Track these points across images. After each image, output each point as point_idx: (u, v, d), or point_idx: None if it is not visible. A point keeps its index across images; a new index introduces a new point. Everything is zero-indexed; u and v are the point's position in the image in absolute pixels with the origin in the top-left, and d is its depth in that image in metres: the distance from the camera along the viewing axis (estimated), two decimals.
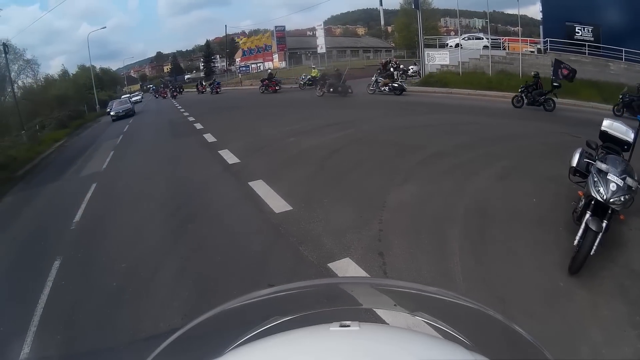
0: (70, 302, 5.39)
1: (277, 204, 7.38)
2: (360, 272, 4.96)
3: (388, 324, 1.21)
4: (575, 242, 4.60)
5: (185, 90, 52.16)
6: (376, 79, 24.40)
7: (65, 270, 6.36)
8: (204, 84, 47.94)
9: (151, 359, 1.16)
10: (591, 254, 4.40)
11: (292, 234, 6.18)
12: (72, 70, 57.54)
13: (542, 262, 4.84)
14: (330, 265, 5.15)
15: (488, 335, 1.25)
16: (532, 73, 17.66)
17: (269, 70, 43.37)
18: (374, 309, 1.40)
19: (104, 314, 4.89)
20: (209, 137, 15.27)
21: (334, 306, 1.30)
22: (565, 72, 17.54)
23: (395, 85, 23.22)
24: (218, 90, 41.62)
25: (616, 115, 15.53)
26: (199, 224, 7.28)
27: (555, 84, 16.46)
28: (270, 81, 33.38)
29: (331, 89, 25.08)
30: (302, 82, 31.64)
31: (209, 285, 5.12)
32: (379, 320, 1.22)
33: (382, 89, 23.51)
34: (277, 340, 1.04)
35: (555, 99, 16.18)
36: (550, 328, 3.73)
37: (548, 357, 1.10)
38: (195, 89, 48.62)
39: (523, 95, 16.96)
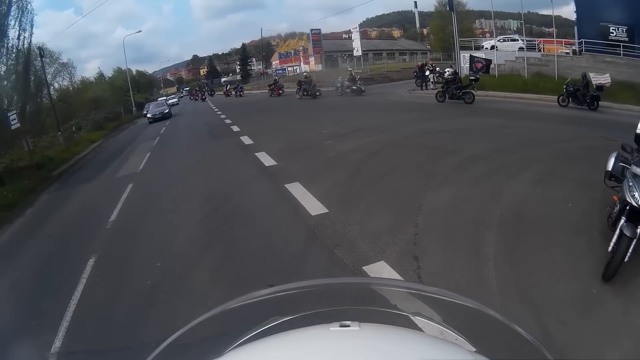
0: (104, 299, 5.53)
1: (314, 206, 7.41)
2: (395, 276, 4.92)
3: (388, 324, 1.16)
4: (610, 248, 4.44)
5: (215, 92, 53.54)
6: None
7: (99, 267, 6.51)
8: (229, 87, 49.71)
9: (151, 359, 1.19)
10: (625, 260, 4.27)
11: (328, 237, 6.19)
12: (108, 73, 58.94)
13: (575, 268, 4.73)
14: (365, 268, 5.15)
15: (488, 335, 1.28)
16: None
17: (305, 73, 43.61)
18: (374, 309, 1.35)
19: (136, 312, 4.98)
20: (246, 140, 15.40)
21: (334, 306, 1.32)
22: (478, 65, 17.98)
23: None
24: (241, 93, 44.83)
25: (561, 106, 16.51)
26: (235, 225, 7.32)
27: (471, 77, 17.08)
28: (275, 85, 37.71)
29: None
30: (338, 85, 31.41)
31: (243, 286, 5.09)
32: (379, 320, 1.15)
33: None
34: (277, 340, 1.06)
35: (474, 92, 17.98)
36: (582, 335, 3.70)
37: (548, 357, 1.11)
38: (223, 93, 50.66)
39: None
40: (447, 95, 19.45)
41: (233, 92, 46.49)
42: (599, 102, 15.94)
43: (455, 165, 8.97)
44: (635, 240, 4.34)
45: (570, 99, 16.79)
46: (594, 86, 16.49)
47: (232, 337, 1.21)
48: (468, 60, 22.45)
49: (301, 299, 1.26)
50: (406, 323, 1.32)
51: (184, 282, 5.54)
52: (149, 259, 6.46)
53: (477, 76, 19.38)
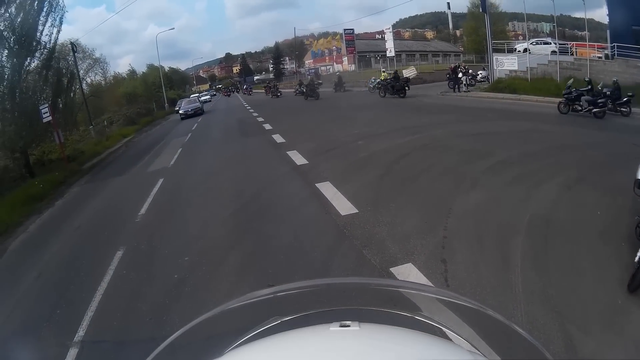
0: (130, 290, 5.67)
1: (344, 206, 7.48)
2: (422, 278, 4.93)
3: (388, 324, 1.14)
4: (637, 258, 4.37)
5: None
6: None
7: (127, 260, 6.71)
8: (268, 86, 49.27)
9: (151, 358, 1.19)
10: None
11: (357, 237, 6.24)
12: (141, 69, 59.88)
13: (601, 277, 4.68)
14: (392, 269, 5.19)
15: (488, 335, 1.33)
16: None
17: (338, 73, 43.85)
18: (374, 309, 1.34)
19: (162, 305, 5.08)
20: (278, 138, 15.52)
21: (334, 306, 1.32)
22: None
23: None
24: (249, 93, 48.63)
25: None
26: (264, 222, 7.42)
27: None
28: (273, 87, 41.38)
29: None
30: (371, 86, 31.47)
31: (270, 282, 5.07)
32: (379, 320, 1.14)
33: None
34: (277, 340, 1.06)
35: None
36: (605, 346, 3.70)
37: (548, 357, 1.11)
38: (264, 90, 50.39)
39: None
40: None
41: (266, 91, 46.24)
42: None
43: (486, 168, 8.92)
44: None
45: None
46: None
47: (232, 337, 1.22)
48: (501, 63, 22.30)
49: (301, 299, 1.27)
50: (406, 323, 1.29)
51: (211, 277, 5.64)
52: (176, 253, 6.62)
53: None
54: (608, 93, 15.36)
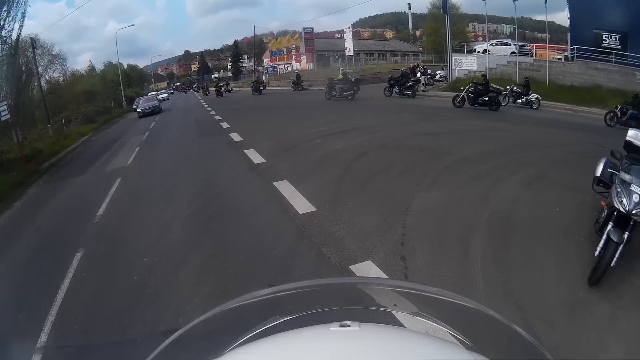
0: (90, 294, 5.50)
1: (302, 204, 7.39)
2: (382, 275, 4.94)
3: (388, 324, 1.18)
4: (596, 253, 4.52)
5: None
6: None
7: (86, 262, 6.46)
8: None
9: (151, 358, 1.18)
10: (612, 265, 4.34)
11: (315, 235, 6.18)
12: (100, 66, 58.57)
13: (562, 272, 4.79)
14: (352, 267, 5.16)
15: (488, 335, 1.27)
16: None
17: (296, 71, 43.85)
18: (374, 309, 1.34)
19: (123, 307, 4.96)
20: (235, 137, 15.34)
21: (334, 306, 1.31)
22: None
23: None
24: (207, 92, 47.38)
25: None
26: (223, 222, 7.29)
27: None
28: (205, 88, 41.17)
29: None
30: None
31: (231, 282, 5.14)
32: (379, 320, 1.16)
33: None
34: (277, 340, 1.05)
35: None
36: (567, 338, 3.73)
37: (548, 357, 1.12)
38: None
39: None
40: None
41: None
42: None
43: (445, 166, 9.02)
44: (622, 246, 4.40)
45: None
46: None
47: (232, 337, 1.20)
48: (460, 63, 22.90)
49: (301, 299, 1.30)
50: (406, 323, 1.32)
51: (171, 279, 5.51)
52: (136, 254, 6.43)
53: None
54: (519, 90, 19.28)
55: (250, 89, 41.22)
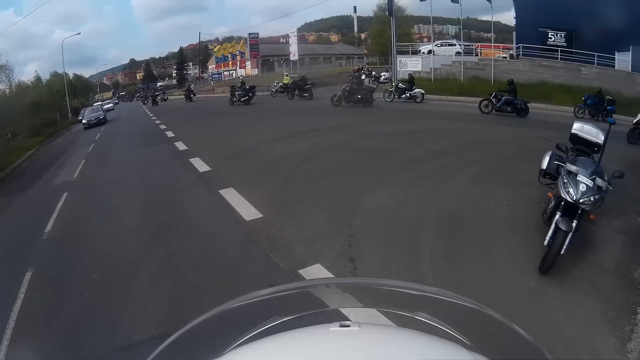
0: (43, 313, 5.32)
1: (248, 211, 7.33)
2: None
3: (388, 324, 1.19)
4: (546, 242, 4.69)
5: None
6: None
7: (36, 281, 6.24)
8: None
9: (151, 359, 1.16)
10: (561, 253, 4.49)
11: (263, 242, 6.15)
12: (46, 76, 56.81)
13: (512, 263, 4.92)
14: (300, 271, 5.14)
15: (488, 335, 1.25)
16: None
17: (241, 78, 43.69)
18: (375, 309, 1.36)
19: (77, 325, 4.83)
20: (180, 145, 15.15)
21: (333, 306, 1.32)
22: None
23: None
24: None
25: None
26: (171, 234, 7.17)
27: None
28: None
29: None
30: (274, 90, 31.79)
31: (182, 294, 5.09)
32: (378, 320, 1.22)
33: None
34: (277, 340, 1.04)
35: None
36: (522, 326, 3.66)
37: (548, 357, 1.10)
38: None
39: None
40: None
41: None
42: None
43: (392, 167, 9.12)
44: (571, 234, 4.58)
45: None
46: None
47: (232, 337, 1.18)
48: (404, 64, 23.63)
49: (301, 299, 1.28)
50: (406, 323, 1.24)
51: (122, 293, 5.40)
52: (86, 270, 6.26)
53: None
54: (403, 86, 21.96)
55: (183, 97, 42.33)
